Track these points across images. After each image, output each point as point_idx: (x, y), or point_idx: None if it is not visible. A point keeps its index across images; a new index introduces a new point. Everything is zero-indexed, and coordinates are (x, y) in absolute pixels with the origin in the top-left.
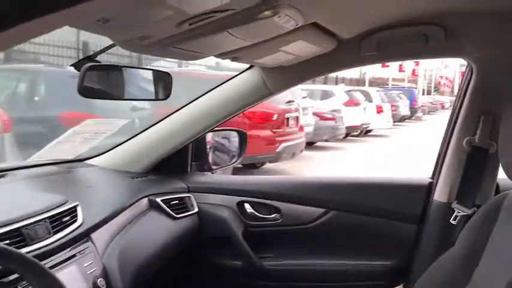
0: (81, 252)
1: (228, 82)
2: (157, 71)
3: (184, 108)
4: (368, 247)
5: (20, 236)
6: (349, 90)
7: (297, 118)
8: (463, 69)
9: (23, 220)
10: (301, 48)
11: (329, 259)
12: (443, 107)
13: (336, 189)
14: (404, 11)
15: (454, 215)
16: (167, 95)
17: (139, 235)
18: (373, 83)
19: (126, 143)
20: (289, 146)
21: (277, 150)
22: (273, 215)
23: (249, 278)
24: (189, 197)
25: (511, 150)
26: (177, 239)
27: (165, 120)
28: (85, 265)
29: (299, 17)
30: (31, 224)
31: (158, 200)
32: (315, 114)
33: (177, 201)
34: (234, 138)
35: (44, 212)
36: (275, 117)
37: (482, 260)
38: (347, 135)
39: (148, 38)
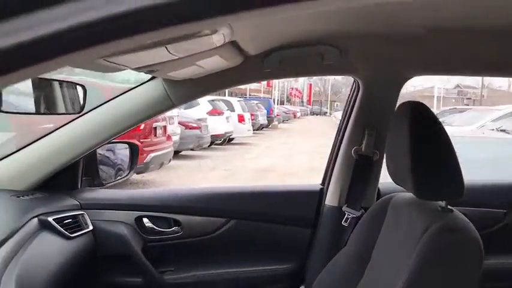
0: None
1: (127, 93)
2: (70, 82)
3: (77, 120)
4: (267, 253)
5: None
6: (212, 100)
7: (164, 127)
8: (310, 81)
9: None
10: (213, 63)
11: (230, 267)
12: (295, 116)
13: (235, 199)
14: (304, 32)
15: (345, 218)
16: (82, 108)
17: (33, 259)
18: (232, 93)
19: (6, 158)
20: (157, 156)
21: (145, 161)
22: (173, 228)
23: None
24: (82, 214)
25: (395, 159)
26: (72, 260)
27: (54, 133)
28: None
29: (229, 36)
30: None
31: (50, 219)
32: (180, 123)
33: (70, 220)
34: (120, 150)
35: None
36: (142, 127)
37: (373, 257)
38: (211, 143)
39: None
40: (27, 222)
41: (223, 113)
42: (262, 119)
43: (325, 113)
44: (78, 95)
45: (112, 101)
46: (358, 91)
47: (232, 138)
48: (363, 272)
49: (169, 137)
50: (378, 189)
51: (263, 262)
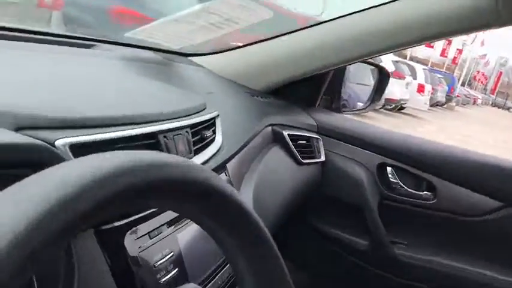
0: None
1: None
2: None
3: (337, 20)
4: None
5: (154, 147)
6: (396, 61)
7: None
8: (502, 69)
9: (160, 122)
10: None
11: (491, 270)
12: (475, 102)
13: None
14: None
15: None
16: None
17: (267, 174)
18: (413, 59)
19: (242, 49)
20: None
21: None
22: (424, 192)
23: (372, 264)
24: (317, 139)
25: None
26: (299, 189)
27: (302, 31)
28: None
29: None
30: (171, 131)
31: (285, 133)
32: None
33: (304, 141)
34: (351, 84)
35: (184, 117)
36: None
37: None
38: (382, 106)
39: None
40: (263, 128)
41: (404, 78)
42: (440, 96)
43: (508, 108)
44: None
45: (394, 3)
46: None
47: (404, 107)
48: None
49: None
50: None
51: None
